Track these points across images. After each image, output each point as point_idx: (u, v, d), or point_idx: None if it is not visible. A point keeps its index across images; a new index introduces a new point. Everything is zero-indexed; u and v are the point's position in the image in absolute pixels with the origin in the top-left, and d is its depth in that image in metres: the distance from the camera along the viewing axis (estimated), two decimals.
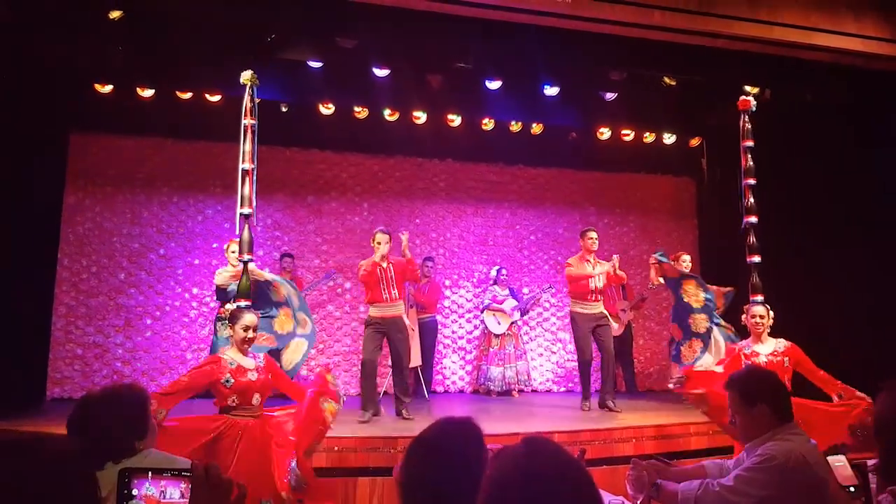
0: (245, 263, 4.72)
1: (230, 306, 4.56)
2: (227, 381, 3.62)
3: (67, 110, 6.81)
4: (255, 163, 4.80)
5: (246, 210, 4.73)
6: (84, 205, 7.22)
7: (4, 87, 5.51)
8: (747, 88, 6.54)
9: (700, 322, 5.79)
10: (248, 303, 4.47)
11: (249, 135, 4.81)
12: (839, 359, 5.99)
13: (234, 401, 3.65)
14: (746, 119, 5.44)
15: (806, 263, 6.76)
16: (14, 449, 0.94)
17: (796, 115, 6.86)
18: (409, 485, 1.54)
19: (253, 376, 3.70)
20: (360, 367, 6.00)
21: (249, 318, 3.83)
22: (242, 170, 4.77)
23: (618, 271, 6.27)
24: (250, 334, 3.77)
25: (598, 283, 6.26)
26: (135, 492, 1.13)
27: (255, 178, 4.78)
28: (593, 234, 6.38)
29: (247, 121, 4.82)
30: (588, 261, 6.33)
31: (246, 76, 4.83)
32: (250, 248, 4.75)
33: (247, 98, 4.84)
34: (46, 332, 6.81)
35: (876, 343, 5.94)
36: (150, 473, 1.15)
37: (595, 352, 6.44)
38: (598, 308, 6.32)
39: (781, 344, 4.53)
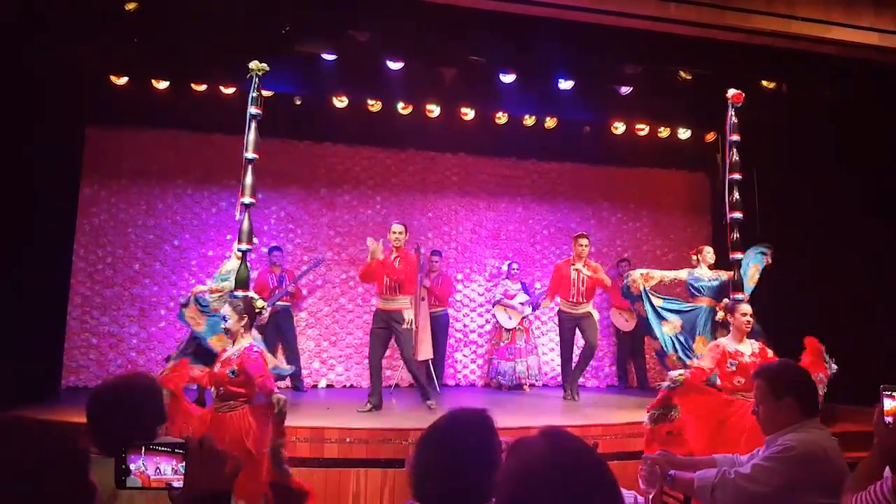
0: (244, 253, 4.74)
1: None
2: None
3: (83, 103, 6.85)
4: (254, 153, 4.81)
5: (248, 199, 4.74)
6: (99, 196, 7.29)
7: (20, 81, 5.56)
8: (764, 83, 6.50)
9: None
10: (244, 293, 4.49)
11: (254, 124, 4.82)
12: (844, 355, 5.97)
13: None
14: (733, 113, 5.39)
15: (812, 260, 6.70)
16: (15, 430, 0.96)
17: (811, 110, 6.79)
18: (421, 475, 1.54)
19: (217, 367, 3.73)
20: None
21: (223, 308, 3.92)
22: (246, 159, 4.78)
23: (602, 277, 6.68)
24: (222, 324, 3.86)
25: (582, 287, 6.60)
26: (132, 467, 1.15)
27: (248, 169, 4.79)
28: (584, 242, 6.68)
29: (252, 110, 4.82)
30: (573, 265, 6.63)
31: (253, 65, 4.82)
32: (249, 238, 4.78)
33: (254, 87, 4.83)
34: (62, 322, 6.89)
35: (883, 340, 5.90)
36: (143, 449, 1.16)
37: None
38: (584, 308, 6.65)
39: (756, 345, 4.48)
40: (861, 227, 6.36)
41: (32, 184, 5.90)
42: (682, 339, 6.25)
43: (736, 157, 5.33)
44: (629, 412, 5.78)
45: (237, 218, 4.87)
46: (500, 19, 5.48)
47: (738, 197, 5.32)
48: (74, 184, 7.03)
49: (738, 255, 5.30)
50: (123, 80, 6.71)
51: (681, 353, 6.17)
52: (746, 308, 4.47)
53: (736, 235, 5.31)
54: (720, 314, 4.92)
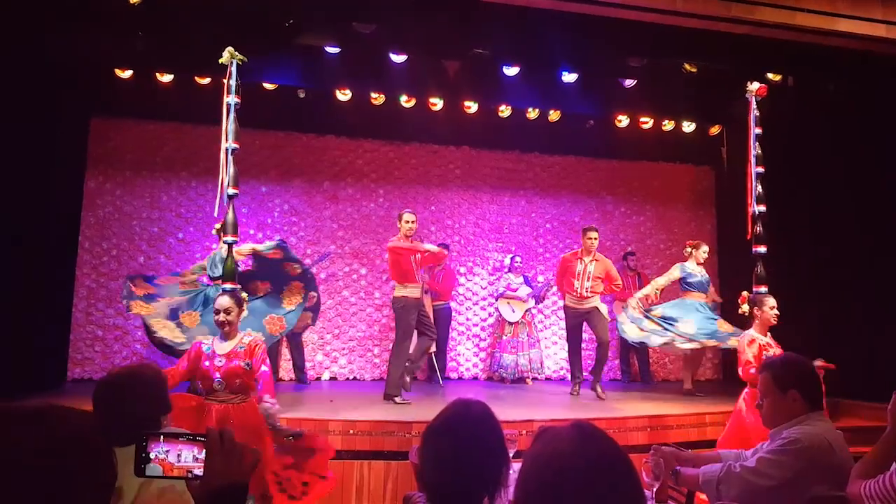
0: (229, 245, 4.71)
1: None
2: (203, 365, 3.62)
3: (88, 95, 6.87)
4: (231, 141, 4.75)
5: (232, 191, 4.70)
6: (104, 189, 7.30)
7: (26, 73, 5.57)
8: (769, 76, 6.46)
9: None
10: (233, 286, 4.47)
11: (232, 113, 4.76)
12: (850, 350, 5.97)
13: (198, 385, 3.60)
14: (755, 106, 5.38)
15: (816, 255, 6.68)
16: (28, 418, 0.96)
17: (818, 104, 6.75)
18: (428, 466, 1.55)
19: (219, 362, 3.60)
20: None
21: (220, 301, 3.75)
22: (226, 149, 4.72)
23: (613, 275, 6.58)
24: (220, 317, 3.69)
25: (587, 284, 6.39)
26: (152, 455, 1.15)
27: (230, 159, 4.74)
28: (593, 235, 6.48)
29: (229, 99, 4.76)
30: (581, 259, 6.46)
31: (227, 53, 4.76)
32: (235, 230, 4.73)
33: (229, 75, 4.77)
34: (68, 314, 6.92)
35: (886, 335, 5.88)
36: (162, 437, 1.16)
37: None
38: (590, 303, 6.44)
39: (770, 339, 4.51)
40: (866, 222, 6.34)
41: (37, 176, 5.91)
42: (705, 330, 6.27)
43: (759, 150, 5.33)
44: (632, 405, 5.79)
45: (216, 213, 4.81)
46: (504, 11, 5.45)
47: (760, 190, 5.32)
48: (79, 176, 7.05)
49: (762, 249, 5.30)
50: (128, 73, 6.72)
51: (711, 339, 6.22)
52: (773, 301, 4.50)
53: (759, 229, 5.31)
54: (744, 307, 4.92)
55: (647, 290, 6.72)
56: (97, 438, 1.01)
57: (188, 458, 1.16)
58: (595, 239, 6.47)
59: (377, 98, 7.32)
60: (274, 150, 7.78)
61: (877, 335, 6.05)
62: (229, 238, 4.71)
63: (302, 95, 7.31)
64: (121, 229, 7.32)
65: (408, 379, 5.77)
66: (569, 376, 8.18)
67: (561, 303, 8.37)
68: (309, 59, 6.48)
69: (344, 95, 7.22)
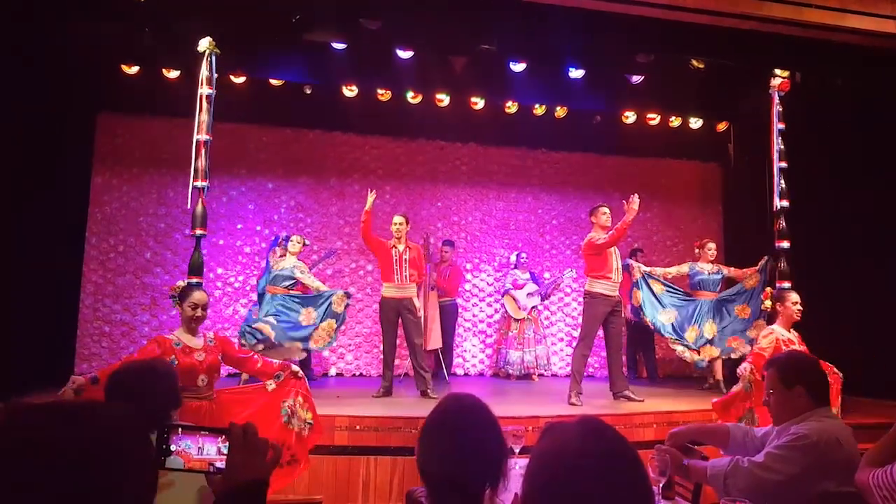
0: (197, 238, 4.70)
1: (181, 283, 4.33)
2: (172, 362, 3.42)
3: (95, 91, 6.89)
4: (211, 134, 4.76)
5: (200, 183, 4.69)
6: (111, 185, 7.33)
7: (33, 69, 5.59)
8: (777, 72, 6.43)
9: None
10: (198, 280, 4.46)
11: (206, 105, 4.74)
12: (859, 346, 5.95)
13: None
14: (778, 101, 5.36)
15: (823, 253, 6.65)
16: (67, 414, 0.95)
17: (825, 100, 6.71)
18: (426, 462, 1.56)
19: (200, 357, 3.54)
20: (381, 349, 6.27)
21: (198, 295, 3.65)
22: (197, 141, 4.71)
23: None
24: (199, 312, 3.59)
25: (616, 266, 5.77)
26: (173, 447, 1.15)
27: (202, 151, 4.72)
28: (607, 210, 5.87)
29: (204, 90, 4.74)
30: None
31: (207, 42, 4.74)
32: (203, 223, 4.74)
33: (204, 67, 4.75)
34: (75, 310, 6.96)
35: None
36: (179, 430, 1.16)
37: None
38: (617, 292, 5.83)
39: (796, 335, 4.52)
40: (872, 221, 6.30)
41: (44, 172, 5.94)
42: (675, 325, 6.37)
43: (781, 146, 5.31)
44: (639, 402, 5.78)
45: (188, 205, 4.81)
46: (511, 7, 5.44)
47: (783, 185, 5.31)
48: (86, 172, 7.08)
49: (785, 244, 5.29)
50: (135, 69, 6.73)
51: (675, 338, 6.30)
52: (796, 296, 4.50)
53: (782, 224, 5.29)
54: (767, 303, 4.94)
55: (657, 270, 6.75)
56: (136, 431, 1.00)
57: (211, 451, 1.16)
58: (609, 216, 5.83)
59: (384, 94, 7.31)
60: (280, 147, 7.80)
61: (886, 332, 6.01)
62: (198, 232, 4.71)
63: (308, 92, 7.31)
64: (128, 225, 7.35)
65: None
66: None
67: (567, 298, 8.41)
68: (315, 56, 6.48)
69: (350, 91, 7.21)
